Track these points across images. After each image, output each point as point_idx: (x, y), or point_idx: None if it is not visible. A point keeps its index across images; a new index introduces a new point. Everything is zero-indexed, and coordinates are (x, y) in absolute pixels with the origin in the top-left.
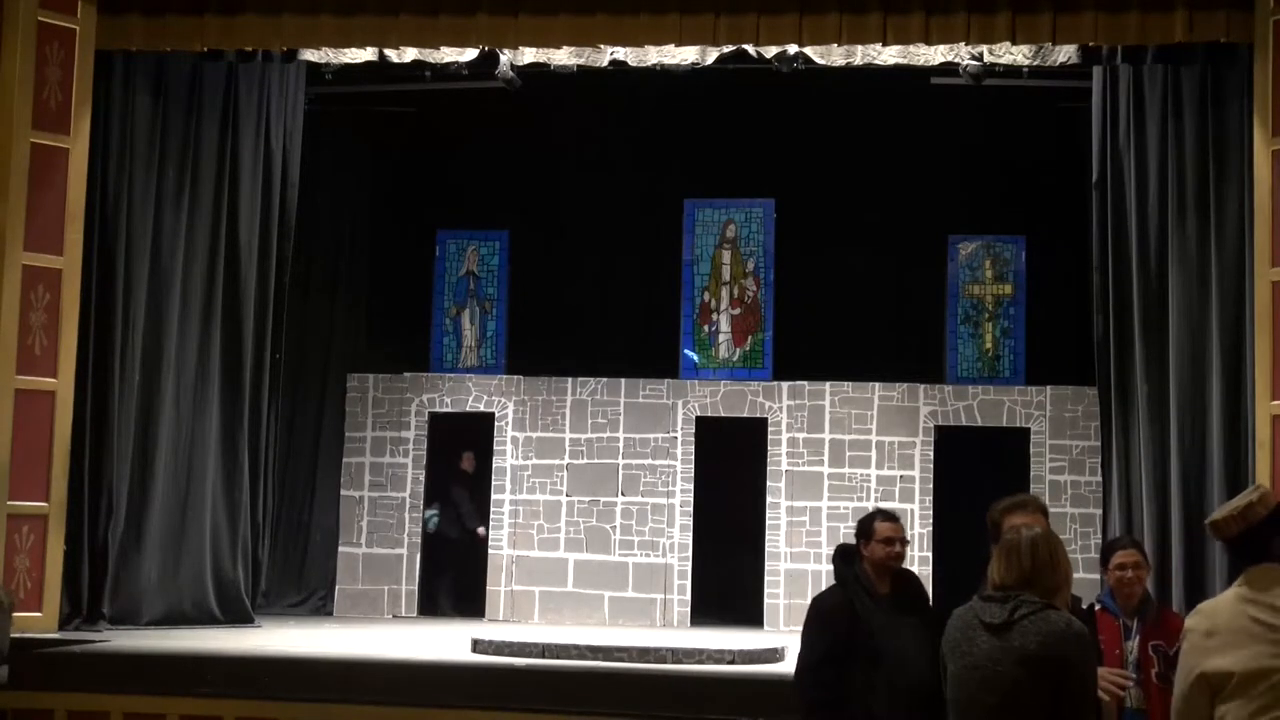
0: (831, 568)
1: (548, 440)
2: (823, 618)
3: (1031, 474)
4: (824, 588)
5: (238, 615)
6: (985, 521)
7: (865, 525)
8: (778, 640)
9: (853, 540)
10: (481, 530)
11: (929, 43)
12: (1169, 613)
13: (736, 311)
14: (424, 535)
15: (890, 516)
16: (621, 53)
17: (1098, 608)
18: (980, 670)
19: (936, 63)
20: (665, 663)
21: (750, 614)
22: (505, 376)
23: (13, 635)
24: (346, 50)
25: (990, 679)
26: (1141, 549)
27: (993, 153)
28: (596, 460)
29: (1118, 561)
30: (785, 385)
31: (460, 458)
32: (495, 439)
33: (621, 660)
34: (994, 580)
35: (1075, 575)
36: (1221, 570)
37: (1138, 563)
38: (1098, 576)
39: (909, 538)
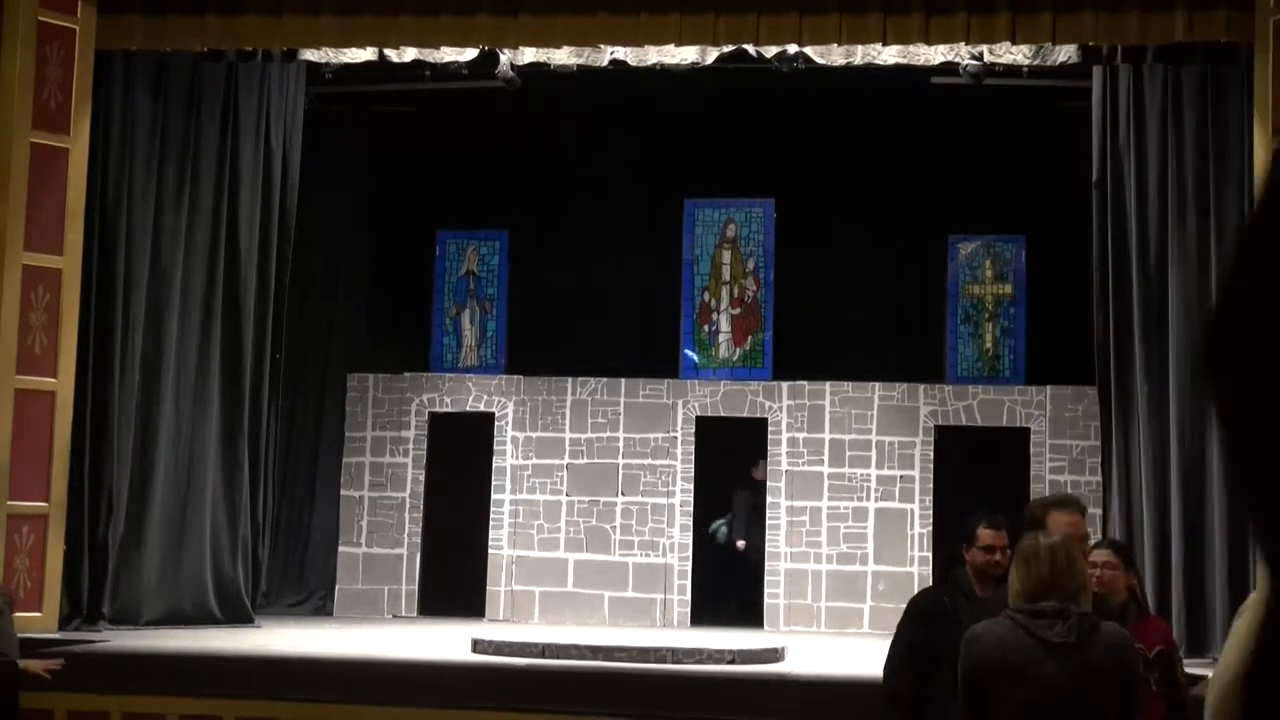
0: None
1: (548, 440)
2: (913, 615)
3: (1031, 474)
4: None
5: (238, 615)
6: (1025, 520)
7: (968, 529)
8: (778, 640)
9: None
10: (741, 544)
11: (929, 43)
12: (1153, 618)
13: (736, 311)
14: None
15: (994, 524)
16: (621, 53)
17: None
18: (1060, 694)
19: (936, 63)
20: (665, 663)
21: (750, 614)
22: (505, 376)
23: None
24: (346, 50)
25: (1069, 698)
26: (1122, 552)
27: (993, 153)
28: (596, 460)
29: (1090, 560)
30: (785, 385)
31: (754, 466)
32: (495, 439)
33: (621, 660)
34: (1014, 588)
35: None
36: (1222, 570)
37: (1108, 562)
38: None
39: (1007, 545)
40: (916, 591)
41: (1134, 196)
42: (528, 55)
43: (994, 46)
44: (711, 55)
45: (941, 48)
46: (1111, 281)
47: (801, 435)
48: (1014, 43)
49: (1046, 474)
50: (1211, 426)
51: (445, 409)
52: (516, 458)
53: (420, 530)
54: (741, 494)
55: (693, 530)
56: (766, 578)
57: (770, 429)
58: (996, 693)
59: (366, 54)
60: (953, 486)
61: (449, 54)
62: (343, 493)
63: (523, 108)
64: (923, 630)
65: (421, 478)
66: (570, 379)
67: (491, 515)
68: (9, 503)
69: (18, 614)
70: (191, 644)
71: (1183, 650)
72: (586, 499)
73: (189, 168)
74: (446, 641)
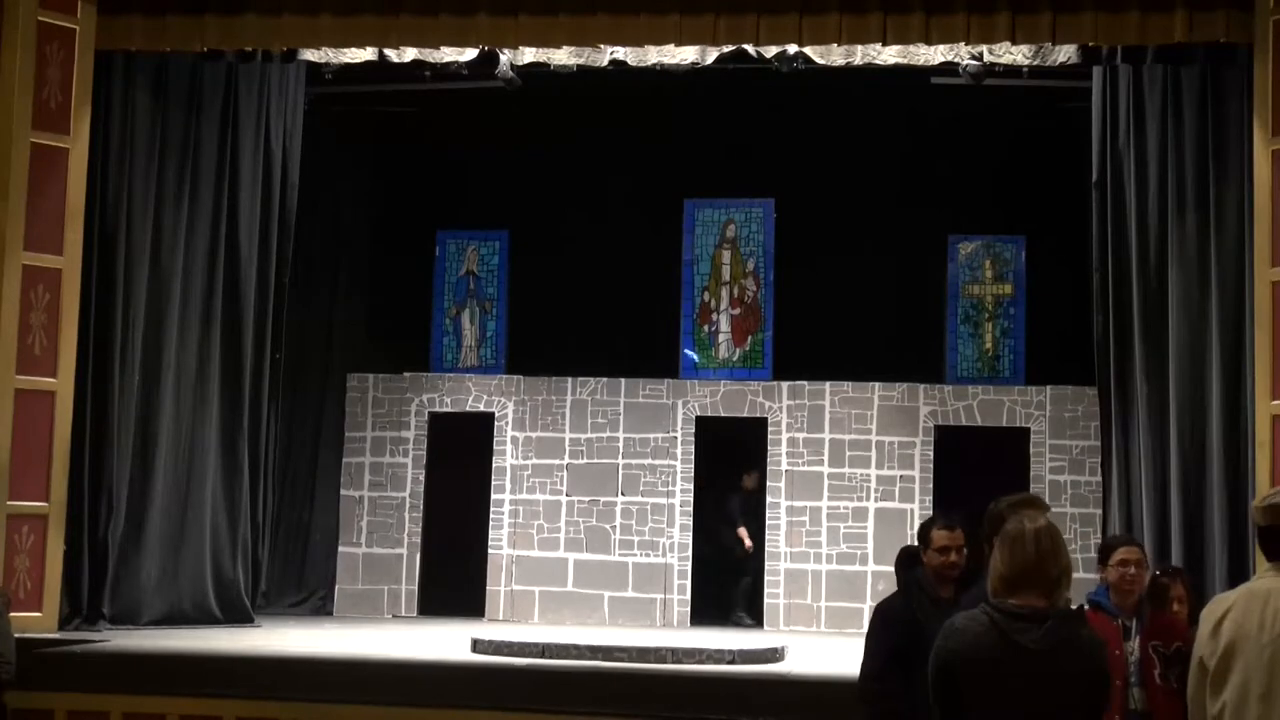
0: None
1: (548, 440)
2: (884, 623)
3: (1031, 474)
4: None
5: (238, 615)
6: (986, 518)
7: (923, 532)
8: (778, 640)
9: (915, 545)
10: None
11: (929, 43)
12: (1172, 615)
13: (736, 311)
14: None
15: (948, 524)
16: (621, 53)
17: (1087, 608)
18: (1029, 697)
19: (936, 63)
20: (665, 663)
21: (750, 614)
22: (505, 376)
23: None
24: (346, 50)
25: (1038, 703)
26: (1143, 548)
27: (993, 153)
28: (596, 460)
29: (1120, 558)
30: (785, 385)
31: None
32: (495, 439)
33: (621, 660)
34: (996, 571)
35: (1075, 576)
36: (1222, 570)
37: (1140, 560)
38: (1095, 576)
39: (963, 544)
40: (881, 599)
41: (1134, 196)
42: (528, 55)
43: (994, 46)
44: (711, 55)
45: (941, 48)
46: (1111, 281)
47: (801, 435)
48: (1014, 43)
49: (1046, 474)
50: (1211, 426)
51: (445, 409)
52: (516, 458)
53: (420, 530)
54: (735, 499)
55: (692, 530)
56: (766, 578)
57: (770, 429)
58: (966, 691)
59: (366, 54)
60: (953, 486)
61: (449, 54)
62: (343, 493)
63: (523, 108)
64: (897, 636)
65: (421, 478)
66: (570, 379)
67: (491, 515)
68: (9, 503)
69: (18, 614)
70: (191, 644)
71: None
72: (586, 499)
73: (189, 168)
74: (446, 641)
